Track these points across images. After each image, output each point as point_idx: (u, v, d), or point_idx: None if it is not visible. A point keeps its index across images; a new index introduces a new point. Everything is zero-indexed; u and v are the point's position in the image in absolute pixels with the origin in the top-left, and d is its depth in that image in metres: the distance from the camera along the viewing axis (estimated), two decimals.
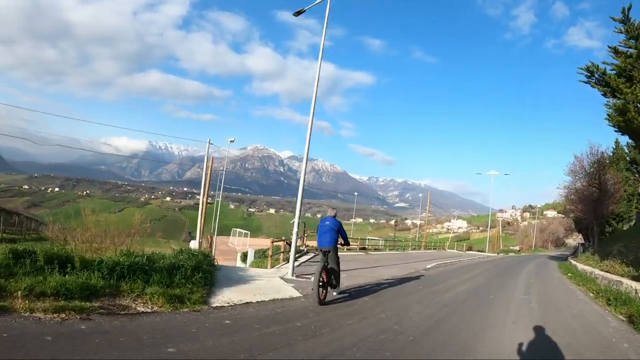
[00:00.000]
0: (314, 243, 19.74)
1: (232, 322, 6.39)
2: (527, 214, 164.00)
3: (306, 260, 17.55)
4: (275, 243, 18.34)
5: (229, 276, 10.78)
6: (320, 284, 8.31)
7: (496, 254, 53.81)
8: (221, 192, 40.71)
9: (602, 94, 17.99)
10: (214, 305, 7.35)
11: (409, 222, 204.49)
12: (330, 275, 8.85)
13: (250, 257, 20.28)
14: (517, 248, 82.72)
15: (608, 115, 18.97)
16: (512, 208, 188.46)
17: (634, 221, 38.28)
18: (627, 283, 12.59)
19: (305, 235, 24.70)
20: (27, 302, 5.64)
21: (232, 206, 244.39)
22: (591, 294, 13.72)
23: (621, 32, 15.83)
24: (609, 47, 17.02)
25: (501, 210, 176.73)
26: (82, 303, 5.97)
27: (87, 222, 10.76)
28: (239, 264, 21.80)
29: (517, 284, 16.00)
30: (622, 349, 6.83)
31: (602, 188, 30.65)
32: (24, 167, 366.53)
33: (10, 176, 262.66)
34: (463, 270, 20.24)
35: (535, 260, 36.79)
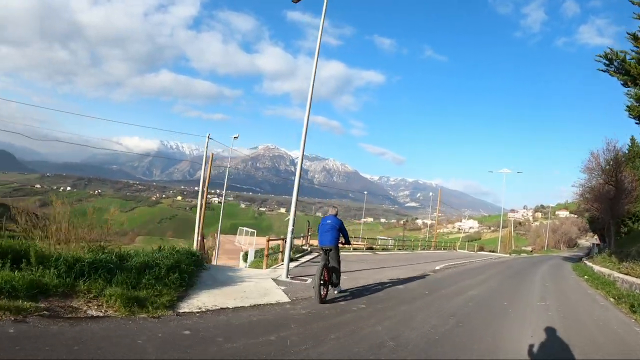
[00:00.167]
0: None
1: (192, 332, 5.48)
2: (539, 214, 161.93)
3: (307, 261, 16.70)
4: (272, 242, 17.47)
5: (216, 277, 10.09)
6: (322, 282, 8.27)
7: (508, 255, 52.62)
8: (225, 190, 39.63)
9: (621, 83, 17.03)
10: (181, 310, 6.58)
11: (419, 221, 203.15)
12: (332, 273, 8.80)
13: (251, 257, 19.58)
14: (530, 249, 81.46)
15: (628, 106, 17.93)
16: (524, 208, 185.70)
17: None
18: None
19: (309, 234, 23.82)
20: None
21: (243, 205, 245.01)
22: (611, 299, 12.87)
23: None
24: (628, 33, 16.05)
25: (513, 210, 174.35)
26: (25, 303, 5.38)
27: (91, 220, 9.87)
28: (241, 263, 21.14)
29: (532, 287, 14.95)
30: None
31: (619, 186, 29.58)
32: (36, 166, 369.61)
33: (23, 175, 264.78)
34: (474, 272, 19.13)
35: (549, 262, 35.68)
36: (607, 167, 30.70)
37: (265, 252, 15.08)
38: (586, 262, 27.76)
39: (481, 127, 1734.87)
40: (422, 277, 14.76)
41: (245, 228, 45.15)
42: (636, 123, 17.82)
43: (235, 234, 50.28)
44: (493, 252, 54.96)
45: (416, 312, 8.12)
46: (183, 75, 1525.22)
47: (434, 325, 7.13)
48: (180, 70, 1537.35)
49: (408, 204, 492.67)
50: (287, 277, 11.10)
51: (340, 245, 9.18)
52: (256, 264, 16.90)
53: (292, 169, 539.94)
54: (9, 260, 6.29)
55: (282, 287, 9.60)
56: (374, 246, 34.17)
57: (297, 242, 22.45)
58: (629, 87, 16.82)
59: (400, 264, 19.62)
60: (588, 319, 9.43)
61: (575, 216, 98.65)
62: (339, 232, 9.05)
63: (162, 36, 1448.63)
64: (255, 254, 19.84)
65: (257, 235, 38.82)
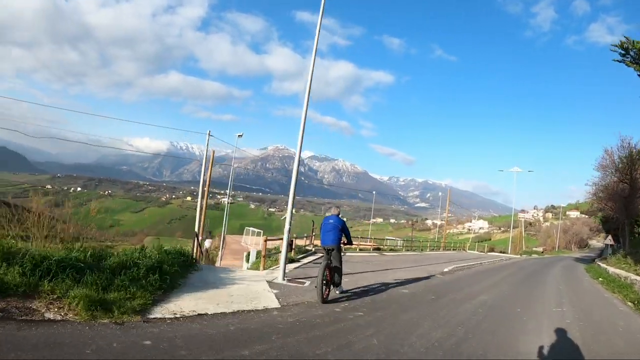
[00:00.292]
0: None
1: (153, 343, 4.79)
2: (550, 214, 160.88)
3: (310, 262, 16.01)
4: (275, 242, 16.84)
5: (206, 279, 9.51)
6: (324, 282, 8.25)
7: (519, 256, 51.61)
8: (229, 190, 39.05)
9: (638, 74, 16.11)
10: (152, 316, 5.96)
11: (429, 222, 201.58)
12: (334, 273, 8.77)
13: (253, 258, 19.00)
14: (540, 249, 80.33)
15: None
16: (534, 208, 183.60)
17: None
18: None
19: (313, 234, 23.14)
20: None
21: (252, 206, 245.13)
22: (629, 304, 12.08)
23: None
24: None
25: (523, 211, 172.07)
26: None
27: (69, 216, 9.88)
28: (245, 264, 20.57)
29: (546, 291, 14.17)
30: None
31: (633, 184, 28.68)
32: (47, 167, 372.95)
33: (34, 176, 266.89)
34: (484, 275, 18.35)
35: (561, 263, 34.80)
36: (621, 164, 29.80)
37: (263, 253, 14.44)
38: (599, 263, 27.01)
39: (491, 127, 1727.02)
40: (429, 280, 14.00)
41: (251, 228, 44.72)
42: None
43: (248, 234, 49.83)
44: (503, 252, 53.97)
45: (420, 321, 7.32)
46: (192, 76, 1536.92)
47: (439, 337, 6.32)
48: (189, 71, 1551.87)
49: (418, 205, 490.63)
50: (284, 280, 10.47)
51: (342, 245, 9.07)
52: (257, 265, 16.24)
53: (302, 170, 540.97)
54: None
55: (275, 291, 8.97)
56: (382, 247, 33.39)
57: (301, 242, 21.83)
58: None
59: (407, 265, 18.87)
60: (609, 326, 8.67)
61: (586, 216, 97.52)
62: (341, 232, 8.95)
63: (171, 37, 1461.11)
64: (257, 254, 19.22)
65: (263, 235, 38.19)
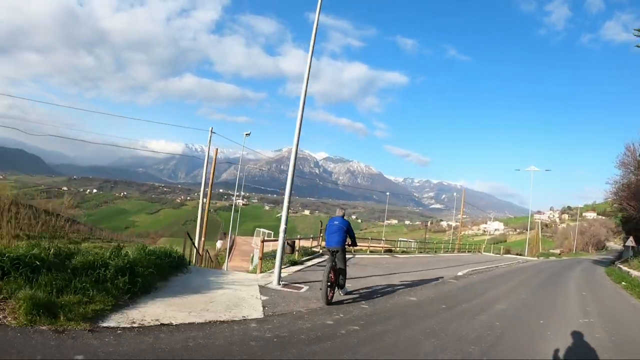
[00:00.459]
0: None
1: (84, 358, 4.03)
2: (566, 216, 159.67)
3: (314, 264, 15.10)
4: (273, 242, 15.91)
5: (190, 282, 8.78)
6: (329, 284, 8.13)
7: (536, 258, 49.99)
8: (236, 191, 38.44)
9: None
10: (105, 324, 5.22)
11: (444, 223, 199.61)
12: (338, 275, 8.69)
13: (256, 260, 18.11)
14: (558, 251, 78.42)
15: None
16: (550, 209, 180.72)
17: None
18: None
19: (321, 235, 22.17)
20: None
21: (267, 207, 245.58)
22: None
23: None
24: None
25: (539, 212, 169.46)
26: None
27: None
28: (251, 266, 19.84)
29: (569, 298, 13.00)
30: None
31: None
32: (63, 169, 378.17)
33: (51, 178, 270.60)
34: (501, 279, 17.18)
35: (580, 266, 33.41)
36: None
37: (259, 255, 13.49)
38: (620, 266, 26.06)
39: (506, 127, 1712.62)
40: (441, 285, 12.95)
41: (262, 229, 44.32)
42: None
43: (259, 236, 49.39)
44: (520, 255, 52.31)
45: (425, 338, 6.21)
46: (207, 78, 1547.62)
47: None
48: (204, 74, 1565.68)
49: (433, 206, 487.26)
50: (279, 284, 9.61)
51: (347, 246, 9.03)
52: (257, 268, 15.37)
53: (317, 171, 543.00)
54: None
55: (264, 297, 8.07)
56: (393, 249, 32.23)
57: (308, 243, 20.89)
58: None
59: (418, 269, 17.79)
60: None
61: (604, 217, 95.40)
62: (346, 234, 8.87)
63: (185, 40, 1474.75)
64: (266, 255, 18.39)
65: (272, 237, 37.44)
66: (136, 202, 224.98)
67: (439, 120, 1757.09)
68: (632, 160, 29.47)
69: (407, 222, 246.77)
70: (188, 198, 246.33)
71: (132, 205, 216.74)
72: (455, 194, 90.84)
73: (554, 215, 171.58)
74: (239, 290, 8.55)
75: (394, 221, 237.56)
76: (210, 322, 5.92)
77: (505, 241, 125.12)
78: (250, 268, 17.54)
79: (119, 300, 6.13)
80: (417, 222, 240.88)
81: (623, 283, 18.59)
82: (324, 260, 15.36)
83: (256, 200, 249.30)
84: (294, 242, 15.36)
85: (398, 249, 33.88)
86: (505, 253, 52.87)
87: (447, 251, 41.25)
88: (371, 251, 26.65)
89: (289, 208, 10.26)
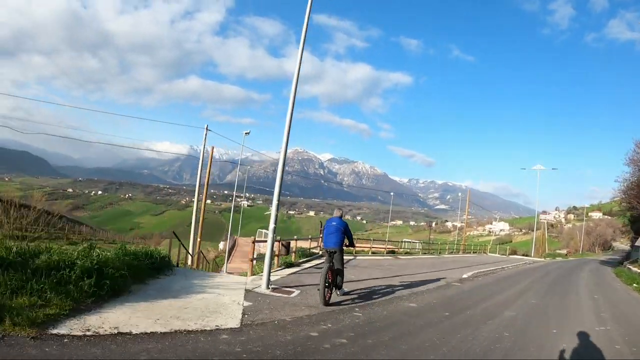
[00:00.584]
0: None
1: None
2: (571, 216, 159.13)
3: (311, 267, 14.57)
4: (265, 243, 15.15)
5: (169, 286, 8.27)
6: (326, 285, 8.10)
7: (543, 259, 49.01)
8: (235, 190, 37.65)
9: None
10: (55, 331, 4.67)
11: (449, 224, 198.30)
12: (336, 276, 8.66)
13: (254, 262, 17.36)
14: (564, 252, 77.21)
15: None
16: (556, 209, 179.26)
17: None
18: None
19: (321, 236, 21.40)
20: None
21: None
22: None
23: None
24: None
25: (544, 212, 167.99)
26: None
27: None
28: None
29: (581, 303, 12.20)
30: None
31: None
32: (68, 171, 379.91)
33: (56, 180, 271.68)
34: (508, 282, 16.37)
35: (588, 267, 32.61)
36: None
37: (249, 256, 12.76)
38: (630, 266, 25.38)
39: (510, 127, 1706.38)
40: (445, 289, 12.16)
41: (264, 230, 43.73)
42: None
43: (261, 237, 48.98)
44: (526, 255, 51.32)
45: (423, 354, 5.40)
46: (211, 80, 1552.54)
47: None
48: (209, 76, 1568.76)
49: (438, 207, 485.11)
50: (268, 288, 8.94)
51: (345, 247, 8.99)
52: (257, 270, 14.66)
53: (322, 172, 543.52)
54: None
55: (248, 303, 7.38)
56: (396, 250, 31.43)
57: (306, 244, 20.13)
58: None
59: (421, 271, 17.01)
60: None
61: (610, 217, 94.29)
62: (344, 235, 8.81)
63: (189, 42, 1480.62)
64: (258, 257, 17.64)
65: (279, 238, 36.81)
66: (141, 203, 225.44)
67: (443, 120, 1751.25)
68: None
69: (412, 223, 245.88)
70: (193, 199, 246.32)
71: (137, 207, 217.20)
72: (460, 194, 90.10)
73: (559, 216, 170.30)
74: (222, 295, 7.90)
75: (399, 222, 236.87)
76: (175, 332, 5.25)
77: (511, 241, 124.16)
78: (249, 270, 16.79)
79: (80, 304, 5.69)
80: (422, 223, 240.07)
81: (635, 285, 18.03)
82: (322, 262, 14.65)
83: (261, 202, 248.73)
84: (289, 242, 14.60)
85: (401, 250, 33.11)
86: (511, 254, 51.92)
87: (451, 252, 40.33)
88: (373, 252, 25.94)
89: (279, 206, 9.63)
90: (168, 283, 8.50)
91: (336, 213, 9.24)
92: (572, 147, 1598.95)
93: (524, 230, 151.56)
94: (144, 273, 8.30)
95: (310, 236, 22.01)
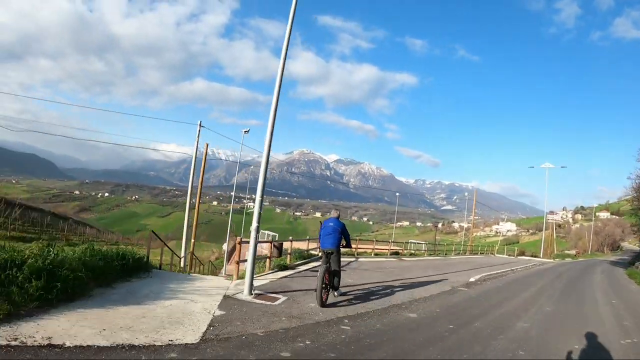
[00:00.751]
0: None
1: None
2: (579, 216, 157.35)
3: (306, 269, 13.69)
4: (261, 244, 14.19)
5: (138, 290, 7.58)
6: (323, 286, 8.01)
7: (552, 260, 47.81)
8: (234, 191, 36.91)
9: None
10: None
11: (456, 225, 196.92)
12: (333, 277, 8.58)
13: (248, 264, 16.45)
14: (573, 252, 75.92)
15: None
16: (563, 209, 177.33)
17: None
18: None
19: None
20: None
21: (278, 210, 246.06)
22: None
23: None
24: None
25: (552, 212, 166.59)
26: None
27: None
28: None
29: (599, 309, 11.19)
30: None
31: None
32: (75, 173, 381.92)
33: (63, 182, 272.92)
34: (518, 286, 15.28)
35: (599, 268, 31.68)
36: None
37: (235, 258, 11.79)
38: None
39: (517, 127, 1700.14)
40: (449, 295, 11.13)
41: (267, 232, 43.42)
42: None
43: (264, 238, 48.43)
44: (535, 256, 50.09)
45: None
46: (217, 82, 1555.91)
47: None
48: (215, 78, 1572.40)
49: (444, 207, 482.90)
50: (250, 294, 8.11)
51: (341, 248, 8.81)
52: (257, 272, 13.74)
53: (328, 173, 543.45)
54: None
55: (220, 312, 6.52)
56: (401, 251, 30.38)
57: (304, 246, 19.17)
58: None
59: (425, 274, 15.98)
60: None
61: (618, 217, 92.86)
62: (341, 235, 8.72)
63: (195, 45, 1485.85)
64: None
65: (278, 239, 36.01)
66: (147, 205, 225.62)
67: (449, 120, 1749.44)
68: None
69: (418, 224, 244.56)
70: (201, 201, 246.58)
71: (143, 209, 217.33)
72: (466, 194, 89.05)
73: (567, 216, 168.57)
74: (193, 302, 7.04)
75: (406, 223, 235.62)
76: (116, 346, 4.40)
77: (518, 242, 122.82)
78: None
79: (21, 309, 5.15)
80: (428, 224, 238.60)
81: None
82: (318, 265, 13.69)
83: (267, 203, 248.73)
84: (282, 244, 13.66)
85: (406, 251, 32.06)
86: (520, 254, 50.72)
87: (458, 253, 39.14)
88: (376, 254, 24.90)
89: (262, 203, 8.77)
90: (138, 287, 7.72)
91: (333, 214, 9.12)
92: (579, 147, 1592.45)
93: (531, 231, 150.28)
94: (111, 275, 7.59)
95: (308, 237, 21.08)
